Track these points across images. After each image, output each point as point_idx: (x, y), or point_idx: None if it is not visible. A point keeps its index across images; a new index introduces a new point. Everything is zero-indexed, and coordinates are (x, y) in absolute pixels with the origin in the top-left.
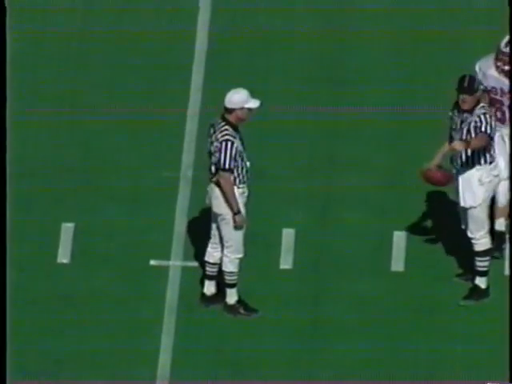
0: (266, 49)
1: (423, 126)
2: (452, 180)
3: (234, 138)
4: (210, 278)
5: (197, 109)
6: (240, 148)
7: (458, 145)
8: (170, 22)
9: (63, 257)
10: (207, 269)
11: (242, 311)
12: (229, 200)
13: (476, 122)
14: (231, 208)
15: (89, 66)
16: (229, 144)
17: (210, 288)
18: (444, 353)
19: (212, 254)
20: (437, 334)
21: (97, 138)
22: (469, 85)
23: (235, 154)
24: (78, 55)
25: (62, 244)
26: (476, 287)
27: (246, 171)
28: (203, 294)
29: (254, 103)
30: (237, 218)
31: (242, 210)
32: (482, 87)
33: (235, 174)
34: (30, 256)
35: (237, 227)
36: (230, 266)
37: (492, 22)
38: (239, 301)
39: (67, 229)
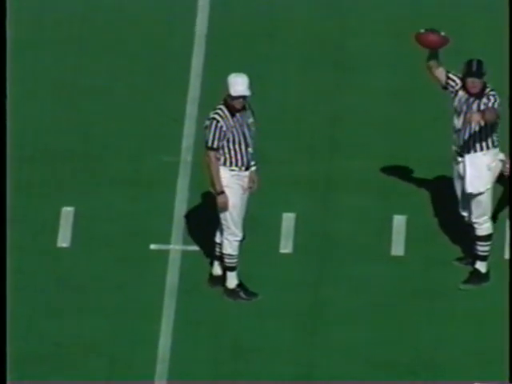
0: (267, 32)
1: (424, 110)
2: (447, 41)
3: (222, 118)
4: (217, 258)
5: (196, 93)
6: (231, 130)
7: (475, 116)
8: (170, 6)
9: (63, 241)
10: (215, 249)
11: (242, 295)
12: (212, 179)
13: (486, 102)
14: (214, 187)
15: (89, 51)
16: (213, 123)
17: (216, 269)
18: (444, 336)
19: (219, 234)
20: (437, 317)
21: (97, 123)
22: (478, 68)
23: (219, 134)
24: (78, 40)
25: (61, 228)
26: (476, 271)
27: (242, 155)
28: (211, 275)
29: (233, 91)
30: (219, 198)
31: (237, 192)
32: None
33: (225, 154)
34: (30, 240)
35: (220, 208)
36: (229, 249)
37: (492, 5)
38: (239, 285)
39: (67, 213)
